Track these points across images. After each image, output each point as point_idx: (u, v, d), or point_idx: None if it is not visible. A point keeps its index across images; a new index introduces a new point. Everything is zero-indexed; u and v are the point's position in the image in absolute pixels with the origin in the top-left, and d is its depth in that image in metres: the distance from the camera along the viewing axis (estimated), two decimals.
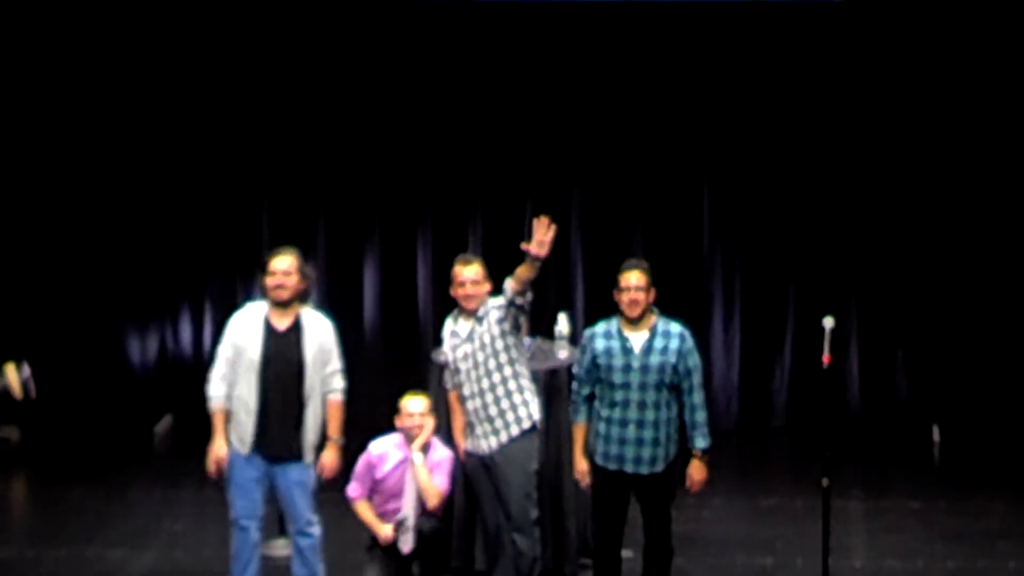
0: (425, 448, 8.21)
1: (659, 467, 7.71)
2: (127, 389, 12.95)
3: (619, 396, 7.70)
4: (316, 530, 8.03)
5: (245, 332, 7.90)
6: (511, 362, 7.96)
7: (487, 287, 8.05)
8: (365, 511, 8.30)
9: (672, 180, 12.70)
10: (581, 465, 7.87)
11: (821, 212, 12.60)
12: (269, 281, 7.92)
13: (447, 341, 8.18)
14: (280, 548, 8.91)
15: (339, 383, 7.96)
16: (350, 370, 12.39)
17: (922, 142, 12.46)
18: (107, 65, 12.60)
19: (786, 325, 12.74)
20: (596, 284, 12.26)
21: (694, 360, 7.74)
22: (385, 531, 8.21)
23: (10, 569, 9.15)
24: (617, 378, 7.70)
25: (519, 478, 7.94)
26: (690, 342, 7.75)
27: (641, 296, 7.69)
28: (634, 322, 7.72)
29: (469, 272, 8.02)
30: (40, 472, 11.90)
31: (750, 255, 12.74)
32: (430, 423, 8.23)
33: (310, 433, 7.88)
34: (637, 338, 7.71)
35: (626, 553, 8.04)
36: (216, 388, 7.91)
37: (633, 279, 7.70)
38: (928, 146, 12.45)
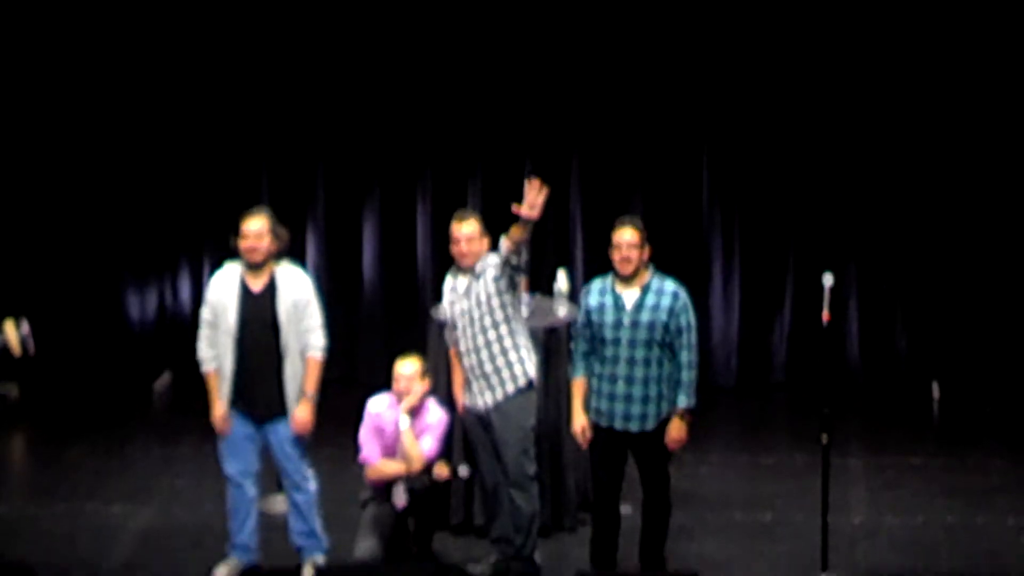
0: (418, 410, 8.19)
1: (650, 425, 7.68)
2: (126, 346, 12.94)
3: (609, 352, 7.68)
4: (312, 485, 8.06)
5: (222, 295, 7.95)
6: (507, 319, 7.94)
7: (484, 243, 8.01)
8: (388, 464, 8.17)
9: (672, 136, 12.64)
10: (579, 420, 7.85)
11: (821, 169, 12.54)
12: (242, 244, 7.95)
13: (446, 297, 8.16)
14: (278, 504, 8.91)
15: (317, 340, 7.93)
16: (350, 327, 12.50)
17: (922, 101, 12.39)
18: (106, 25, 12.52)
19: (786, 282, 12.71)
20: (596, 241, 12.20)
21: (686, 319, 7.69)
22: (440, 469, 8.20)
23: (9, 525, 9.17)
24: (608, 334, 7.67)
25: (516, 435, 7.94)
26: (683, 300, 7.71)
27: (634, 253, 7.65)
28: (627, 279, 7.69)
29: (465, 229, 7.98)
30: (39, 429, 11.90)
31: (749, 212, 12.69)
32: (418, 387, 8.15)
33: (291, 390, 7.90)
34: (630, 295, 7.69)
35: (625, 509, 8.04)
36: (204, 351, 7.99)
37: (626, 236, 7.66)
38: (927, 105, 12.38)
